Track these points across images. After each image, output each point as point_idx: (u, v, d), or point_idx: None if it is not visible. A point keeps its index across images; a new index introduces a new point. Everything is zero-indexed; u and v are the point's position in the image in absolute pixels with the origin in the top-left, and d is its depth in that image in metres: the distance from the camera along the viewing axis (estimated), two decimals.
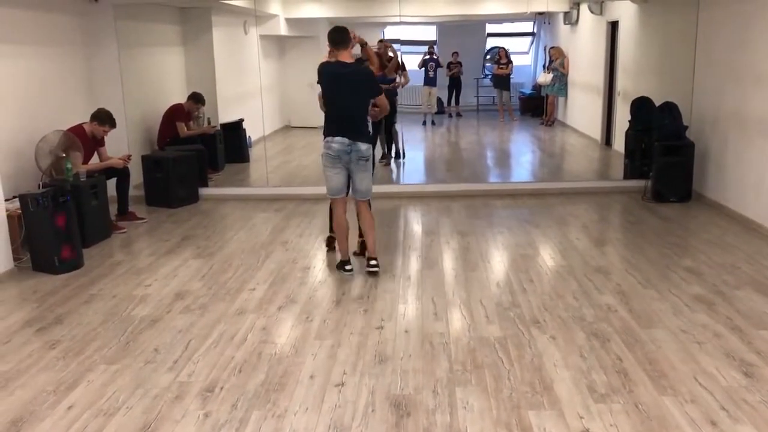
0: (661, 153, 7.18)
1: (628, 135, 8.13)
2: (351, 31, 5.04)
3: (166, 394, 3.46)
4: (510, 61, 12.51)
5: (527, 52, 13.77)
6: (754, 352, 3.73)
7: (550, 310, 4.43)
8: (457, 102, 12.85)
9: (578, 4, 11.00)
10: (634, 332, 4.05)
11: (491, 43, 13.46)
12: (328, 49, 5.09)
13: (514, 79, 12.74)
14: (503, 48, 12.73)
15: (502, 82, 12.63)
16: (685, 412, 3.14)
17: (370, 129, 5.21)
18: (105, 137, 6.69)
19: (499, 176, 9.74)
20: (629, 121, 8.09)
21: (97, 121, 6.51)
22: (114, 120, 6.60)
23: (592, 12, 10.59)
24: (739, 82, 6.49)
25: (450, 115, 13.02)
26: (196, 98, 8.62)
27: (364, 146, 5.00)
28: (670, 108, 7.31)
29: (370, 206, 5.32)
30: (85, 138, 6.47)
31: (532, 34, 13.52)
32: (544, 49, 12.52)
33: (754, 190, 6.24)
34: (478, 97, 13.35)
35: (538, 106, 12.56)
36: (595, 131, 10.46)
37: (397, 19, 8.62)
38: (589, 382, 3.46)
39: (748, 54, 6.31)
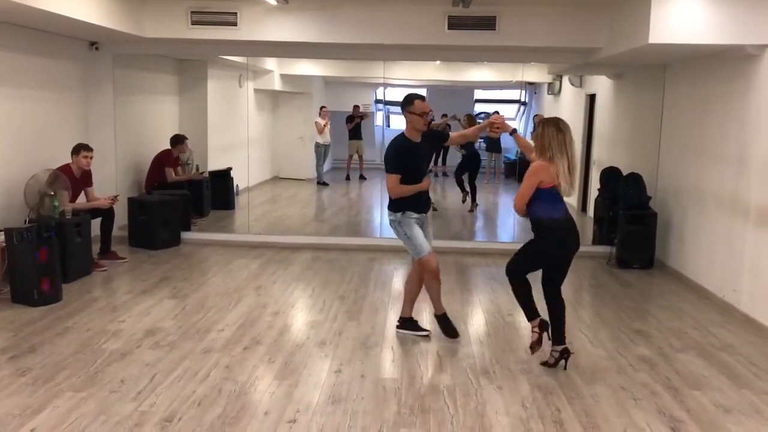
0: (626, 221, 7.53)
1: (598, 203, 8.50)
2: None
3: (127, 422, 3.65)
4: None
5: (514, 119, 14.24)
6: (685, 410, 3.97)
7: (501, 363, 4.66)
8: (443, 162, 13.22)
9: (560, 76, 11.50)
10: (576, 387, 4.28)
11: (479, 108, 13.93)
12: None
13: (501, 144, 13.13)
14: (496, 112, 13.14)
15: (494, 145, 12.98)
16: None
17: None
18: (93, 175, 7.01)
19: (474, 236, 10.04)
20: (598, 190, 8.46)
21: (74, 154, 6.86)
22: (87, 144, 6.96)
23: (572, 84, 11.08)
24: (698, 158, 6.88)
25: (436, 174, 13.38)
26: (178, 140, 8.90)
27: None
28: (635, 179, 7.69)
29: (420, 264, 5.01)
30: (73, 177, 6.78)
31: (519, 101, 14.00)
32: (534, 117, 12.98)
33: (708, 260, 6.56)
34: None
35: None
36: (573, 198, 10.82)
37: (381, 81, 9.05)
38: (526, 429, 3.68)
39: (706, 133, 6.71)
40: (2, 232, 5.86)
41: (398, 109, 12.36)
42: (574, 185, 4.43)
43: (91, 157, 6.93)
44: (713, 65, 6.60)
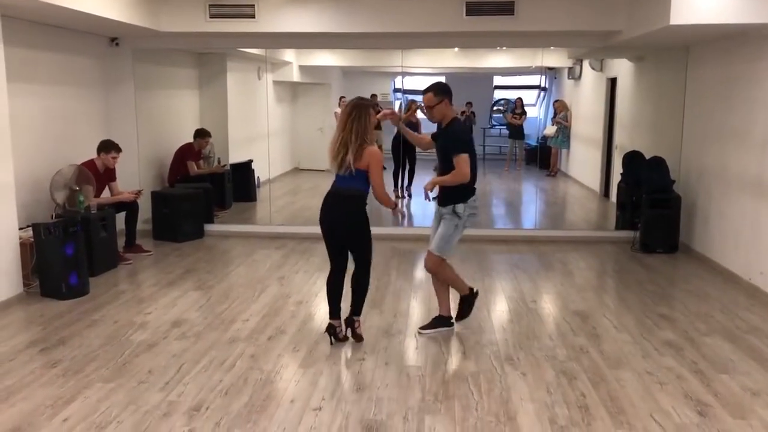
0: (649, 205, 7.46)
1: (620, 187, 8.42)
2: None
3: (156, 411, 3.71)
4: (524, 112, 12.79)
5: (534, 104, 14.13)
6: (712, 394, 3.94)
7: (525, 349, 4.66)
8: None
9: (581, 60, 11.39)
10: (601, 372, 4.26)
11: (498, 94, 13.84)
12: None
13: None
14: (519, 98, 13.01)
15: (517, 132, 12.86)
16: None
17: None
18: (116, 170, 7.09)
19: (496, 223, 10.01)
20: (621, 174, 8.39)
21: (102, 151, 6.91)
22: (117, 145, 7.00)
23: (593, 68, 10.97)
24: (722, 140, 6.79)
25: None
26: (201, 134, 8.98)
27: None
28: (658, 162, 7.61)
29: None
30: (97, 172, 6.86)
31: (538, 87, 13.88)
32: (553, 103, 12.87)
33: (734, 243, 6.49)
34: (484, 146, 13.67)
35: (543, 158, 12.83)
36: (595, 183, 10.74)
37: (399, 69, 9.03)
38: (552, 415, 3.68)
39: (730, 114, 6.62)
40: (30, 228, 5.96)
41: (417, 97, 12.34)
42: None
43: (119, 158, 7.00)
44: (736, 45, 6.50)
